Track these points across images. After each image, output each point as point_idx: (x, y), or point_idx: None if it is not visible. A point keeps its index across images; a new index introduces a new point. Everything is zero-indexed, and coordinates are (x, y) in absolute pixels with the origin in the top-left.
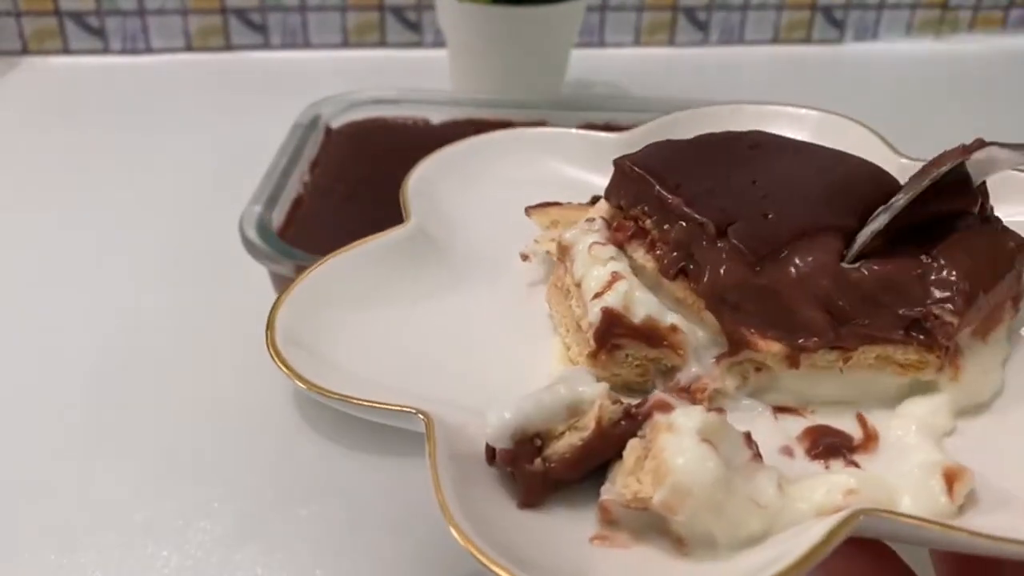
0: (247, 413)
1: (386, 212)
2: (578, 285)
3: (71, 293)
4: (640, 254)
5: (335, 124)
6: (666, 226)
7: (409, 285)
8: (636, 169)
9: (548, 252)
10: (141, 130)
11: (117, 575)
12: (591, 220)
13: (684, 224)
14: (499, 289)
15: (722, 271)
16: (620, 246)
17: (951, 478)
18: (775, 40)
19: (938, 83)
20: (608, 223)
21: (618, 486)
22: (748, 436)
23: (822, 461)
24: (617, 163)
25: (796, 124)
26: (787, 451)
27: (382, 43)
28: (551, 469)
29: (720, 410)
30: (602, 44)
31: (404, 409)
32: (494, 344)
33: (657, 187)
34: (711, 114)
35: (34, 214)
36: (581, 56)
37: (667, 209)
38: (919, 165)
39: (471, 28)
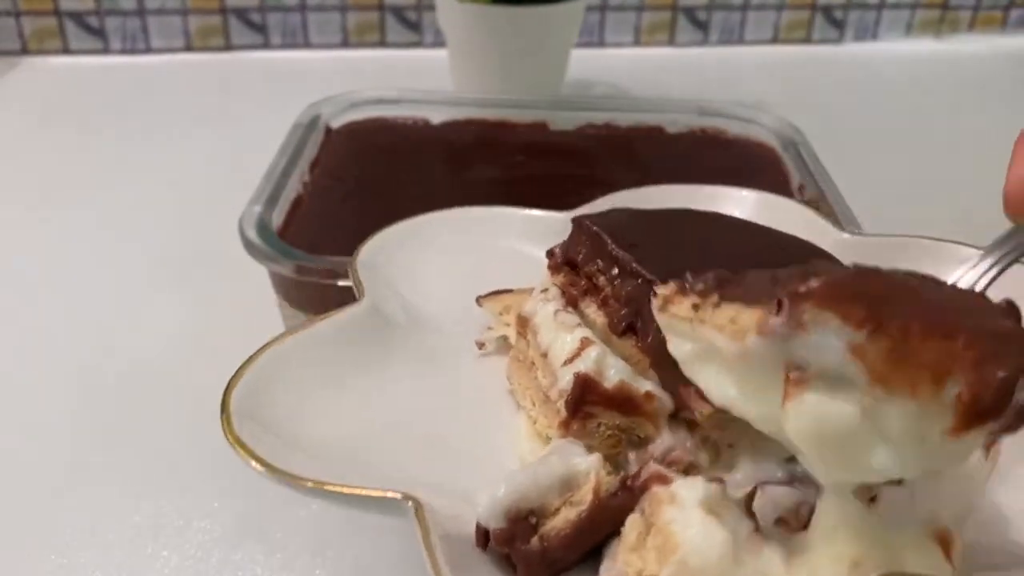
0: None
1: (386, 212)
2: (544, 355)
3: (71, 293)
4: (592, 310)
5: (335, 124)
6: (617, 282)
7: (365, 365)
8: (593, 227)
9: (504, 337)
10: (141, 130)
11: (117, 575)
12: (545, 291)
13: (634, 281)
14: (457, 367)
15: None
16: (573, 303)
17: (945, 543)
18: (775, 40)
19: (938, 83)
20: (562, 290)
21: (620, 563)
22: (749, 503)
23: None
24: (576, 220)
25: (736, 204)
26: (784, 523)
27: (382, 43)
28: (549, 548)
29: (720, 480)
30: (602, 44)
31: (389, 495)
32: (460, 423)
33: (611, 244)
34: (656, 194)
35: (34, 214)
36: (581, 56)
37: (619, 266)
38: (861, 239)
39: (471, 28)
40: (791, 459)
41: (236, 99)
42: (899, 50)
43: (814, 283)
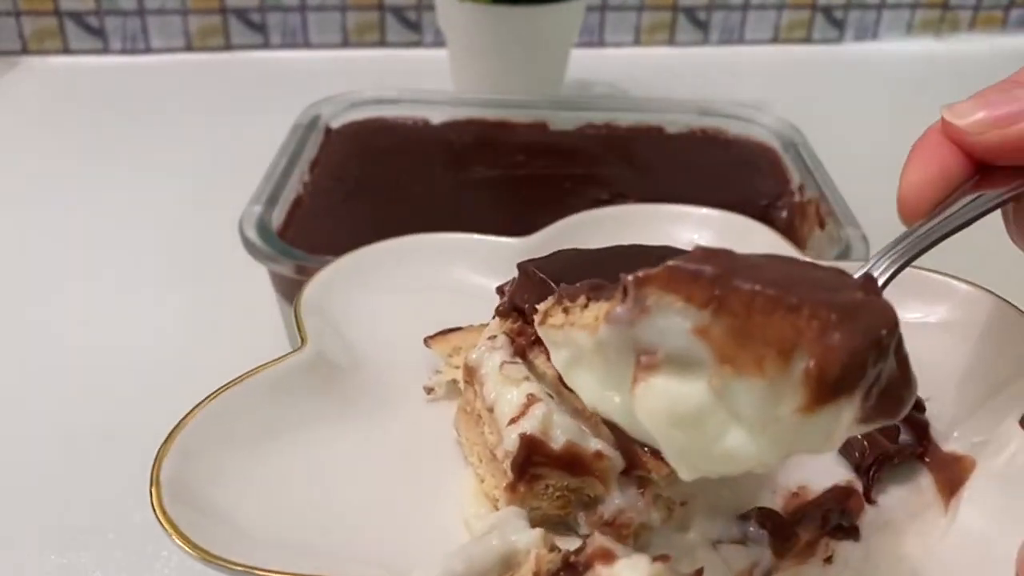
0: None
1: (386, 212)
2: (490, 410)
3: (70, 293)
4: (541, 360)
5: (335, 124)
6: None
7: (308, 418)
8: (539, 273)
9: (453, 381)
10: (141, 130)
11: (117, 575)
12: (493, 338)
13: None
14: (404, 415)
15: None
16: (522, 352)
17: None
18: (775, 40)
19: (938, 83)
20: (511, 338)
21: None
22: None
23: None
24: (521, 267)
25: (699, 224)
26: None
27: (382, 43)
28: None
29: (666, 557)
30: (602, 44)
31: None
32: (404, 483)
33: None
34: (615, 216)
35: (34, 213)
36: (581, 56)
37: None
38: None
39: (471, 28)
40: (744, 516)
41: (236, 99)
42: (899, 50)
43: (657, 268)
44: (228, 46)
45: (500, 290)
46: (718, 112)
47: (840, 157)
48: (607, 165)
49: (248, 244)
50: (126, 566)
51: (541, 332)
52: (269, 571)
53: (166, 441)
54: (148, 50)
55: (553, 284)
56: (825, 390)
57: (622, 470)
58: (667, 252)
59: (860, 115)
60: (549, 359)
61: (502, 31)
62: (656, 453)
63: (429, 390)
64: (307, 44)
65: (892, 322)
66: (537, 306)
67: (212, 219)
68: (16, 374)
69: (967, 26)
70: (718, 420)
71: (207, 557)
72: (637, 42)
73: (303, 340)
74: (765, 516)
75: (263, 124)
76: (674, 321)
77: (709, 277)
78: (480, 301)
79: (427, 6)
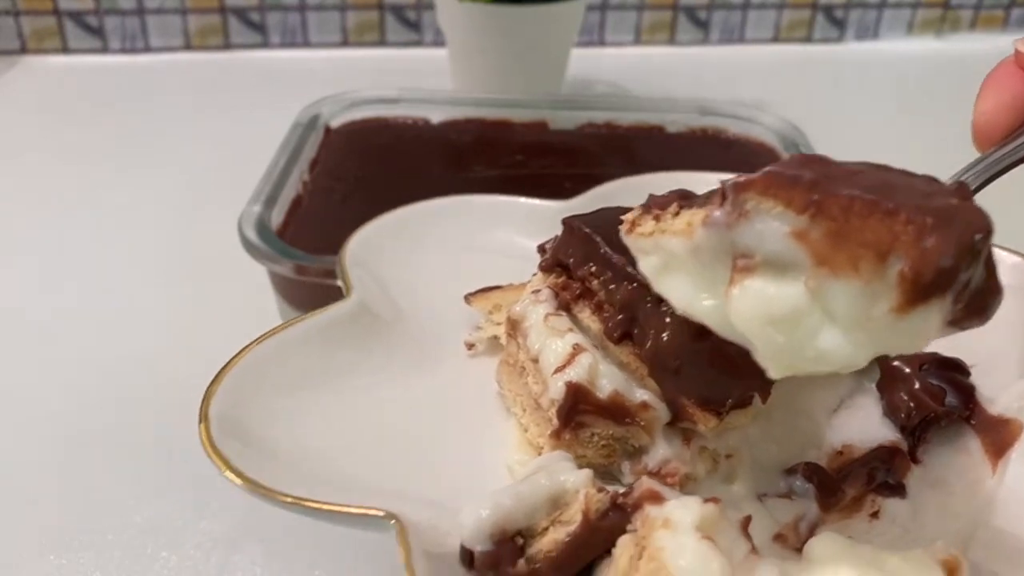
0: None
1: (385, 211)
2: (534, 360)
3: (70, 293)
4: (586, 315)
5: (334, 123)
6: (612, 287)
7: (352, 366)
8: (584, 228)
9: (494, 337)
10: (140, 129)
11: (117, 575)
12: (537, 291)
13: (629, 285)
14: (446, 368)
15: (665, 335)
16: (566, 306)
17: (952, 568)
18: (776, 39)
19: (939, 82)
20: (555, 292)
21: None
22: (746, 526)
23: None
24: (566, 222)
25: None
26: (781, 539)
27: (382, 42)
28: (537, 571)
29: (715, 500)
30: (602, 43)
31: (371, 512)
32: (447, 429)
33: (604, 247)
34: (650, 182)
35: (33, 213)
36: (581, 55)
37: (613, 269)
38: None
39: (471, 27)
40: (790, 471)
41: (235, 98)
42: (900, 49)
43: (757, 174)
44: (227, 45)
45: (541, 248)
46: (719, 112)
47: (841, 156)
48: (607, 165)
49: (247, 244)
50: (126, 566)
51: (628, 241)
52: (319, 503)
53: (214, 381)
54: (147, 49)
55: (600, 240)
56: (919, 291)
57: (667, 422)
58: None
59: (861, 114)
60: (593, 314)
61: (502, 31)
62: (703, 405)
63: (470, 345)
64: (307, 44)
65: (986, 227)
66: (623, 216)
67: (211, 218)
68: (15, 374)
69: (968, 25)
70: (813, 320)
71: (257, 489)
72: (637, 41)
73: (348, 290)
74: (811, 471)
75: (262, 123)
76: (772, 225)
77: (808, 182)
78: (517, 262)
79: (427, 6)
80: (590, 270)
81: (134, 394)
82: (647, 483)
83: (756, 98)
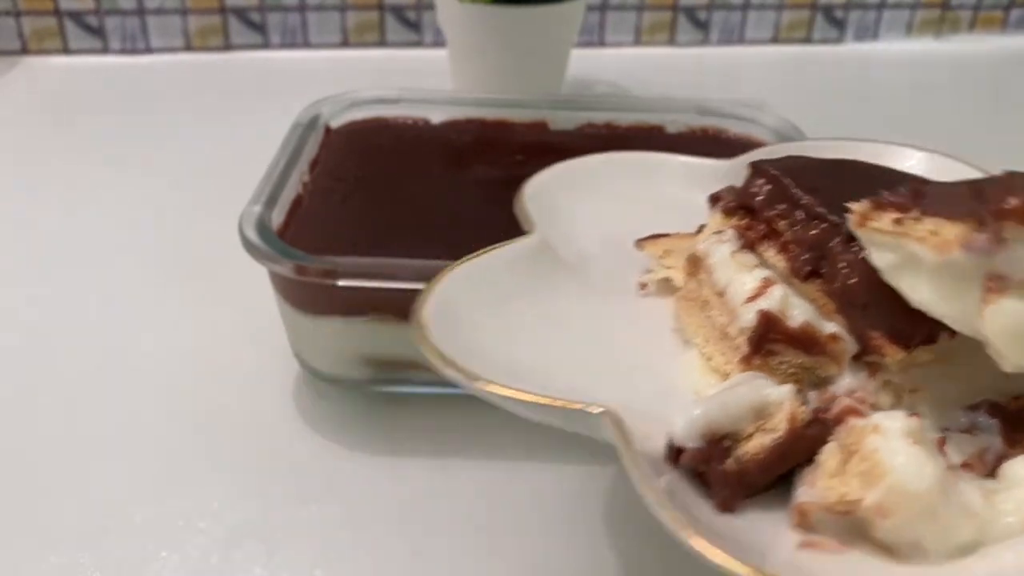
0: (247, 413)
1: (386, 211)
2: (720, 294)
3: (69, 293)
4: (771, 254)
5: (335, 124)
6: (799, 227)
7: (535, 295)
8: (773, 170)
9: (665, 279)
10: (140, 130)
11: (117, 575)
12: (720, 232)
13: (818, 225)
14: (621, 304)
15: (855, 274)
16: (751, 246)
17: None
18: (775, 40)
19: (938, 83)
20: (739, 232)
21: (819, 488)
22: (942, 445)
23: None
24: (754, 165)
25: (899, 162)
26: (967, 467)
27: (382, 43)
28: (744, 470)
29: (917, 415)
30: (602, 44)
31: (591, 409)
32: (633, 355)
33: (793, 187)
34: (810, 148)
35: (33, 214)
36: (581, 56)
37: (803, 210)
38: None
39: (471, 28)
40: (973, 408)
41: (235, 99)
42: (899, 50)
43: (1014, 201)
44: (228, 46)
45: (715, 196)
46: (718, 112)
47: None
48: None
49: (248, 244)
50: (126, 566)
51: (859, 233)
52: (541, 396)
53: (423, 293)
54: (148, 50)
55: (789, 182)
56: None
57: (854, 354)
58: (889, 171)
59: (860, 115)
60: (779, 253)
61: (502, 31)
62: (892, 337)
63: (643, 285)
64: (307, 44)
65: None
66: (852, 207)
67: (211, 219)
68: (15, 374)
69: (967, 26)
70: None
71: (476, 382)
72: (637, 42)
73: (530, 227)
74: (995, 408)
75: (262, 124)
76: None
77: None
78: (686, 216)
79: (427, 6)
80: (778, 211)
81: (134, 393)
82: (846, 401)
83: (756, 98)
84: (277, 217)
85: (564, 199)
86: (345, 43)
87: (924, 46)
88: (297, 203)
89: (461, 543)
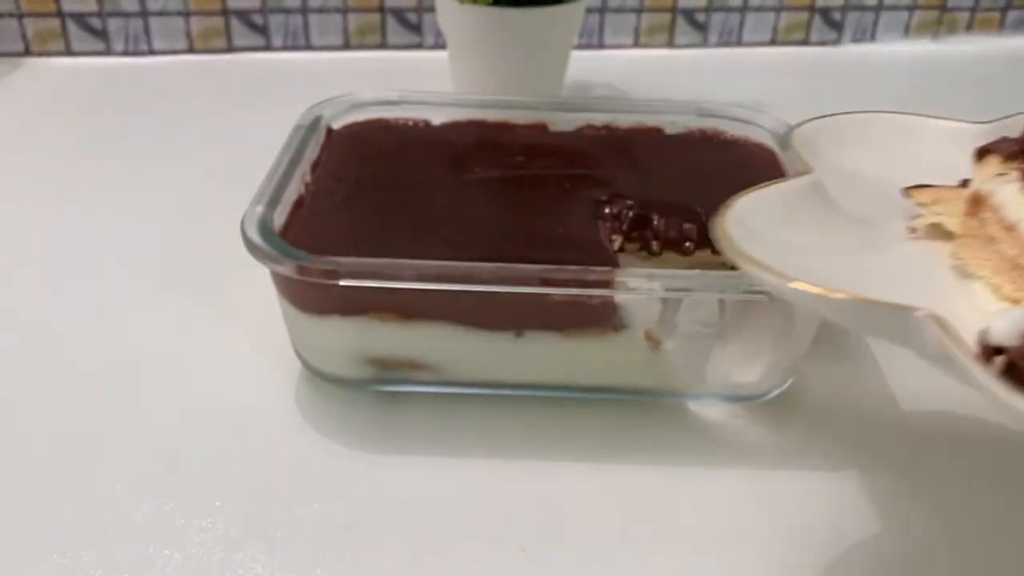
0: (249, 412)
1: (387, 212)
2: (1009, 229)
3: (70, 293)
4: None
5: (336, 125)
6: None
7: (815, 226)
8: None
9: (933, 224)
10: (143, 131)
11: (117, 575)
12: (1002, 175)
13: None
14: (892, 243)
15: None
16: None
17: None
18: (773, 42)
19: (936, 84)
20: (1022, 173)
21: None
22: None
23: None
24: None
25: None
26: None
27: (383, 45)
28: None
29: None
30: (601, 46)
31: (918, 314)
32: (911, 287)
33: None
34: None
35: (35, 215)
36: (581, 57)
37: None
38: None
39: (471, 30)
40: None
41: (238, 100)
42: (897, 51)
43: None
44: (230, 48)
45: (983, 149)
46: (717, 113)
47: None
48: (607, 166)
49: (250, 244)
50: (126, 566)
51: None
52: (863, 298)
53: (723, 208)
54: (150, 52)
55: None
56: None
57: None
58: None
59: None
60: None
61: (502, 33)
62: None
63: (913, 229)
64: (308, 46)
65: None
66: None
67: (213, 219)
68: (15, 374)
69: (965, 27)
70: None
71: (792, 282)
72: (636, 44)
73: (806, 167)
74: None
75: (265, 125)
76: None
77: None
78: (938, 171)
79: (428, 8)
80: None
81: (135, 393)
82: None
83: (754, 100)
84: (279, 218)
85: (825, 149)
86: (346, 45)
87: (922, 47)
88: (299, 204)
89: (461, 543)
